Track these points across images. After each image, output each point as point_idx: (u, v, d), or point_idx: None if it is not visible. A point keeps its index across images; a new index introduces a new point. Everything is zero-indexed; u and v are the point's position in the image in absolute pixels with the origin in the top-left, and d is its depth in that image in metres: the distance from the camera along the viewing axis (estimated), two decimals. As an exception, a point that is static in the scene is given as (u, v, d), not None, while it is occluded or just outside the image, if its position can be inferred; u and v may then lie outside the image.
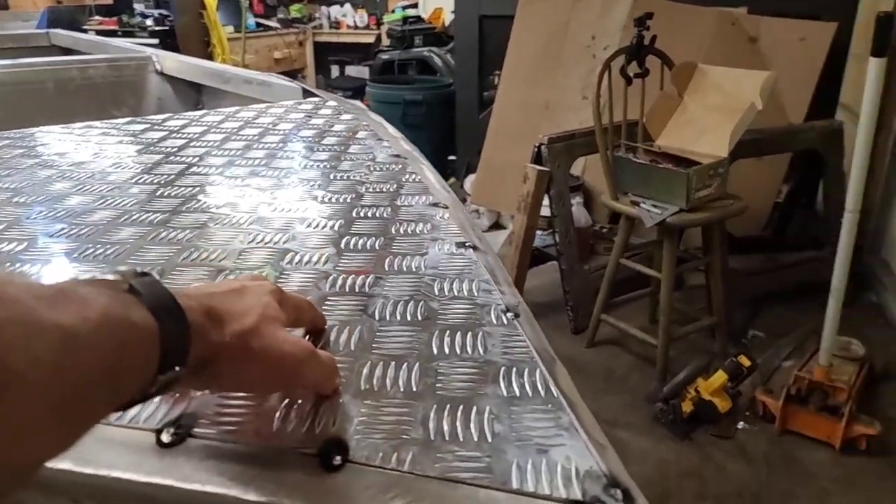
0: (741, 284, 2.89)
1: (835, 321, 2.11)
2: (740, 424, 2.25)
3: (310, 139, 1.26)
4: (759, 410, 2.27)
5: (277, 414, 0.48)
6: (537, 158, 2.75)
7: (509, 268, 2.79)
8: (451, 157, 4.18)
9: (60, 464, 0.43)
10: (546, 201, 2.74)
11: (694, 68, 2.47)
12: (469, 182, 3.79)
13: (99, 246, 0.77)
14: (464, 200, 3.86)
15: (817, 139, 2.93)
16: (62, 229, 0.81)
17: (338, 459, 0.44)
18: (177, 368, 0.40)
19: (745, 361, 2.34)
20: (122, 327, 0.36)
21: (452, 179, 4.11)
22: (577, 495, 0.42)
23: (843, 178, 2.91)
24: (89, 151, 1.16)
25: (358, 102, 1.65)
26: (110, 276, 0.40)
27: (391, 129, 1.34)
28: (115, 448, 0.45)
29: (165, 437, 0.45)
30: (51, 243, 0.78)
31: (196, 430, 0.46)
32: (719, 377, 2.22)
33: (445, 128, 4.10)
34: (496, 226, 3.80)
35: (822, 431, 2.14)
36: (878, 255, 3.17)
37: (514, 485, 0.43)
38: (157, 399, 0.48)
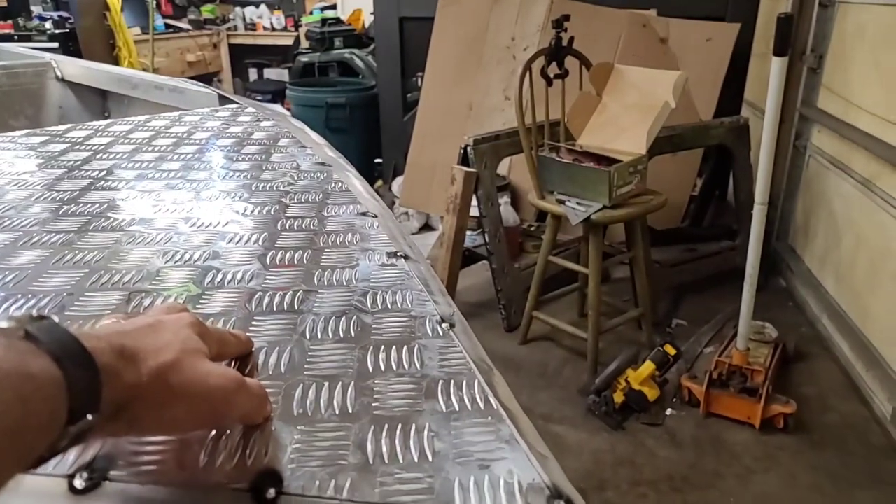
0: (663, 276, 3.00)
1: (750, 307, 2.22)
2: (668, 411, 2.33)
3: (228, 148, 1.21)
4: (684, 396, 2.36)
5: (203, 448, 0.45)
6: (464, 159, 2.76)
7: (441, 269, 2.79)
8: (378, 160, 4.15)
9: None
10: (475, 202, 2.76)
11: (611, 69, 2.54)
12: (397, 184, 3.76)
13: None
14: (392, 203, 3.84)
15: (726, 134, 3.08)
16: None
17: (272, 493, 0.42)
18: (89, 417, 0.36)
19: (671, 350, 2.43)
20: (20, 380, 0.32)
21: (380, 182, 4.08)
22: (519, 511, 0.42)
23: (750, 170, 3.07)
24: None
25: (278, 107, 1.60)
26: (2, 324, 0.36)
27: (314, 136, 1.31)
28: (23, 498, 0.41)
29: (78, 483, 0.42)
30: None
31: (112, 472, 0.42)
32: (647, 367, 2.29)
33: (370, 130, 4.06)
34: (426, 227, 3.80)
35: (743, 412, 2.25)
36: (784, 242, 3.37)
37: (455, 502, 0.42)
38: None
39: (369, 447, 0.46)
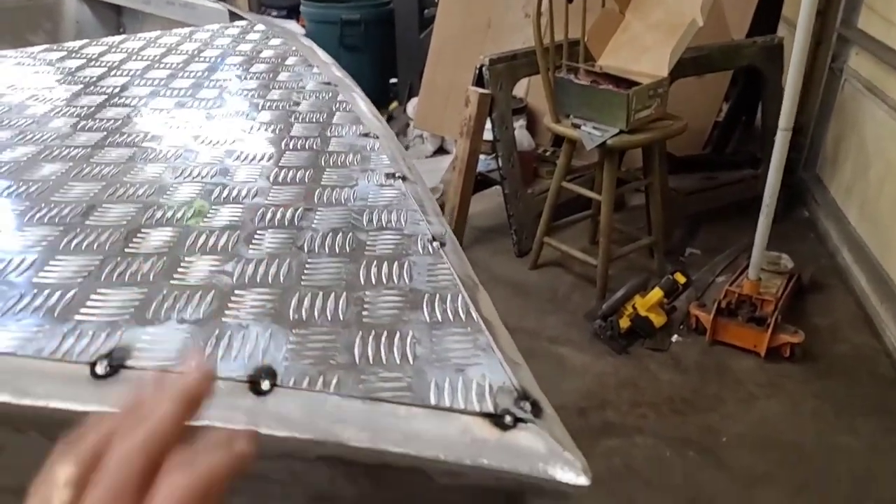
0: (680, 203, 3.01)
1: (764, 237, 2.24)
2: (675, 338, 2.40)
3: (237, 66, 1.23)
4: (692, 324, 2.42)
5: (209, 347, 0.51)
6: (479, 80, 2.73)
7: (452, 193, 2.82)
8: (393, 80, 4.10)
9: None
10: (489, 125, 2.75)
11: (636, -16, 2.47)
12: (412, 106, 3.74)
13: (21, 184, 0.76)
14: (406, 125, 3.83)
15: (758, 55, 2.99)
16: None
17: (266, 384, 0.48)
18: None
19: (681, 278, 2.47)
20: None
21: (395, 104, 4.05)
22: (490, 408, 0.47)
23: (781, 95, 3.00)
24: (4, 83, 1.11)
25: (292, 23, 1.61)
26: None
27: (322, 55, 1.33)
28: (51, 380, 0.48)
29: (100, 369, 0.48)
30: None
31: (127, 362, 0.49)
32: (655, 294, 2.34)
33: (386, 48, 4.00)
34: (441, 150, 3.80)
35: (750, 341, 2.30)
36: (811, 172, 3.33)
37: (433, 401, 0.48)
38: (89, 332, 0.50)
39: (356, 350, 0.52)
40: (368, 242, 0.66)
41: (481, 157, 2.93)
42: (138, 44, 1.36)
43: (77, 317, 0.53)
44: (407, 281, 0.61)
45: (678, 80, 2.76)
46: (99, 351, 0.49)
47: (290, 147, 0.89)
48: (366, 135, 0.93)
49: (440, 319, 0.56)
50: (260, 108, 1.03)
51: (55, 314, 0.53)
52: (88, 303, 0.55)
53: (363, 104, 1.06)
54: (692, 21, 2.35)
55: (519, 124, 3.09)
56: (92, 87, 1.10)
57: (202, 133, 0.92)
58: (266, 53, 1.31)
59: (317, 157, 0.85)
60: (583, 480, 0.45)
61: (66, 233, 0.65)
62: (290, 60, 1.27)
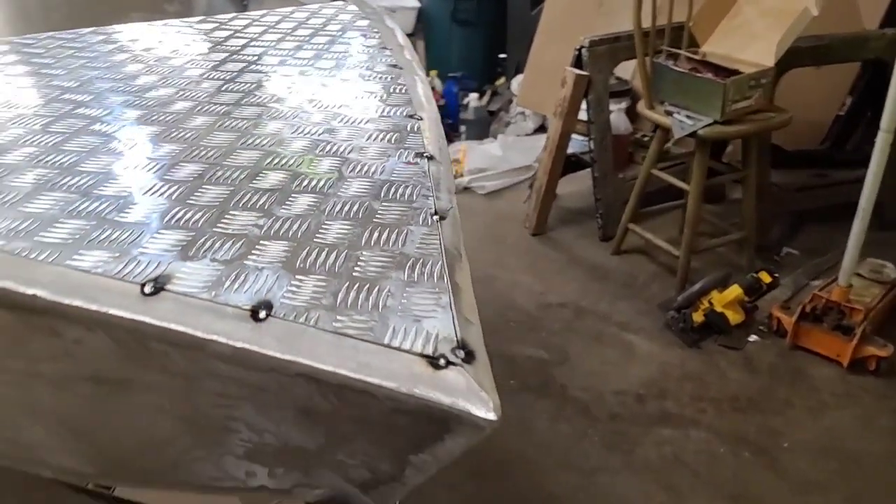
0: (781, 199, 2.91)
1: (857, 242, 2.15)
2: (752, 338, 2.37)
3: (321, 46, 1.39)
4: (773, 326, 2.38)
5: (227, 280, 0.66)
6: (577, 62, 2.77)
7: (541, 173, 2.89)
8: (502, 56, 4.18)
9: (75, 300, 0.63)
10: (585, 107, 2.79)
11: (749, -32, 2.40)
12: (516, 83, 3.81)
13: (179, 130, 0.99)
14: (509, 102, 3.90)
15: (886, 48, 2.81)
16: (145, 115, 1.03)
17: (263, 314, 0.62)
18: None
19: (766, 278, 2.43)
20: None
21: (501, 80, 4.13)
22: (429, 351, 0.59)
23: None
24: (169, 48, 1.36)
25: (379, 7, 1.74)
26: None
27: (400, 38, 1.46)
28: (111, 293, 0.65)
29: (147, 289, 0.64)
30: (139, 126, 1.00)
31: (167, 286, 0.65)
32: (733, 290, 2.32)
33: (498, 25, 4.08)
34: (541, 129, 3.85)
35: (833, 349, 2.24)
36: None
37: (386, 341, 0.60)
38: (142, 261, 0.67)
39: (339, 296, 0.65)
40: (379, 212, 0.79)
41: (578, 138, 2.98)
42: (274, 18, 1.59)
43: (156, 249, 0.71)
44: (400, 246, 0.73)
45: (794, 70, 2.66)
46: (147, 276, 0.66)
47: (344, 123, 1.03)
48: (411, 116, 1.05)
49: (416, 279, 0.68)
50: (327, 88, 1.18)
51: (129, 246, 0.71)
52: (154, 237, 0.73)
53: (420, 87, 1.18)
54: (804, 10, 2.26)
55: (618, 107, 3.09)
56: (235, 56, 1.33)
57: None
58: (350, 33, 1.46)
59: (361, 134, 0.99)
60: (492, 416, 0.56)
61: (210, 169, 0.87)
62: (370, 42, 1.41)
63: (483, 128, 3.67)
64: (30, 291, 0.64)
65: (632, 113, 3.33)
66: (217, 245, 0.72)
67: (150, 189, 0.83)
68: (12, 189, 0.81)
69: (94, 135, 0.97)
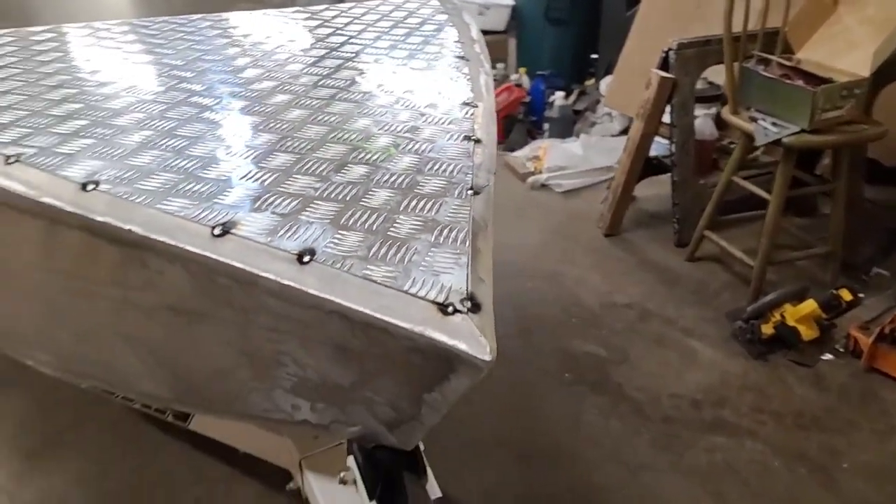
0: (875, 216, 2.80)
1: (946, 264, 2.07)
2: (826, 356, 2.32)
3: (398, 38, 1.52)
4: (850, 345, 2.31)
5: (282, 230, 0.79)
6: (664, 64, 2.78)
7: (619, 174, 2.92)
8: (594, 56, 4.20)
9: (160, 236, 0.77)
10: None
11: (852, -29, 2.35)
12: (605, 83, 3.82)
13: (277, 122, 1.10)
14: (596, 102, 3.93)
15: None
16: (248, 106, 1.17)
17: (307, 258, 0.75)
18: None
19: (847, 296, 2.37)
20: None
21: (591, 80, 4.15)
22: (441, 300, 0.70)
23: None
24: (274, 43, 1.51)
25: (462, 3, 1.85)
26: None
27: (474, 33, 1.56)
28: (187, 233, 0.79)
29: (216, 231, 0.78)
30: (241, 115, 1.13)
31: (233, 230, 0.79)
32: (808, 305, 2.28)
33: (591, 24, 4.10)
34: (627, 131, 3.84)
35: (912, 375, 2.16)
36: None
37: (406, 288, 0.71)
38: (217, 209, 0.81)
39: (373, 250, 0.77)
40: (421, 183, 0.90)
41: (662, 141, 2.98)
42: (360, 10, 1.72)
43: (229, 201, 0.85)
44: (433, 214, 0.84)
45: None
46: (217, 220, 0.80)
47: (402, 106, 1.15)
48: (467, 104, 1.15)
49: (441, 242, 0.79)
50: (397, 74, 1.30)
51: (207, 197, 0.86)
52: (228, 191, 0.87)
53: (482, 79, 1.28)
54: (906, 18, 2.20)
55: (705, 112, 3.07)
56: (320, 42, 1.46)
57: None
58: (427, 28, 1.58)
59: (420, 117, 1.10)
60: (487, 357, 0.66)
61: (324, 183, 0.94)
62: (444, 35, 1.52)
63: (567, 126, 3.71)
64: (126, 227, 0.80)
65: (721, 119, 3.28)
66: (279, 201, 0.85)
67: (231, 151, 0.98)
68: (121, 146, 0.98)
69: (193, 106, 1.13)
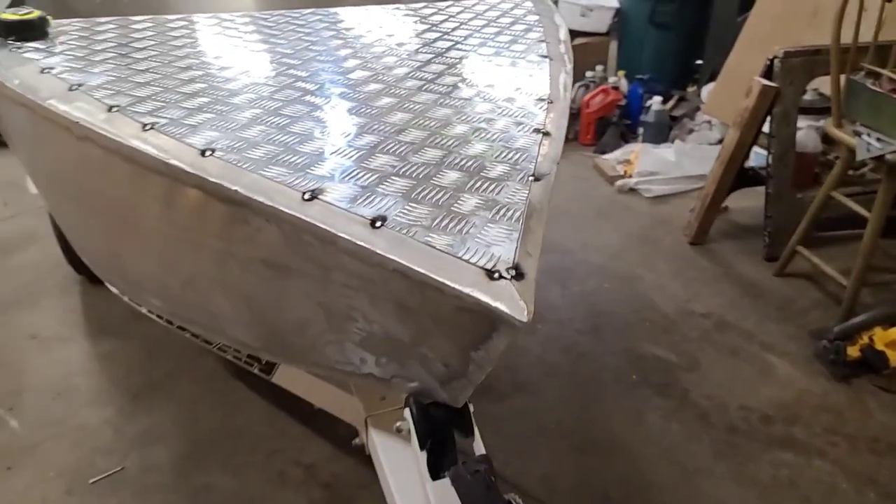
0: None
1: None
2: (915, 384, 2.25)
3: (489, 36, 1.64)
4: (945, 376, 2.23)
5: (360, 199, 0.93)
6: (768, 72, 2.75)
7: (710, 182, 2.91)
8: (699, 62, 4.15)
9: (260, 197, 0.93)
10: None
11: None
12: (707, 90, 3.78)
13: (380, 124, 1.17)
14: (696, 109, 3.89)
15: None
16: (344, 93, 1.30)
17: (378, 224, 0.88)
18: None
19: (944, 323, 2.27)
20: None
21: (693, 87, 4.11)
22: (489, 266, 0.81)
23: None
24: (374, 36, 1.64)
25: (553, 4, 1.94)
26: None
27: (562, 35, 1.65)
28: (283, 195, 0.94)
29: (306, 196, 0.93)
30: (337, 99, 1.27)
31: (319, 196, 0.93)
32: (898, 329, 2.22)
33: (697, 29, 4.05)
34: (728, 140, 3.79)
35: None
36: None
37: (460, 255, 0.83)
38: (311, 178, 0.95)
39: (435, 221, 0.89)
40: (487, 168, 1.02)
41: (761, 152, 2.95)
42: (456, 8, 1.84)
43: (319, 173, 1.00)
44: (494, 195, 0.95)
45: None
46: (308, 187, 0.94)
47: (482, 98, 1.26)
48: (542, 99, 1.25)
49: (497, 219, 0.90)
50: (482, 70, 1.41)
51: (301, 167, 1.00)
52: (320, 163, 1.01)
53: (562, 78, 1.38)
54: None
55: (809, 125, 3.00)
56: (426, 48, 1.56)
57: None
58: (517, 27, 1.69)
59: (497, 110, 1.21)
60: (524, 318, 0.76)
61: (402, 162, 1.04)
62: (531, 35, 1.62)
63: (662, 132, 3.70)
64: (233, 187, 0.96)
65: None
66: (361, 175, 0.99)
67: (325, 131, 1.13)
68: (235, 120, 1.15)
69: (297, 90, 1.29)
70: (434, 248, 0.85)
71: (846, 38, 2.38)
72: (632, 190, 3.40)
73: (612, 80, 4.03)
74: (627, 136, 3.83)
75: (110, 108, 1.14)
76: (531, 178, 1.00)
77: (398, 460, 1.27)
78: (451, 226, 0.88)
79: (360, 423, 1.46)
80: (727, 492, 1.87)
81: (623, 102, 3.84)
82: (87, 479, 1.88)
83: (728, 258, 2.90)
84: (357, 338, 1.04)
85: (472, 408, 1.11)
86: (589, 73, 4.03)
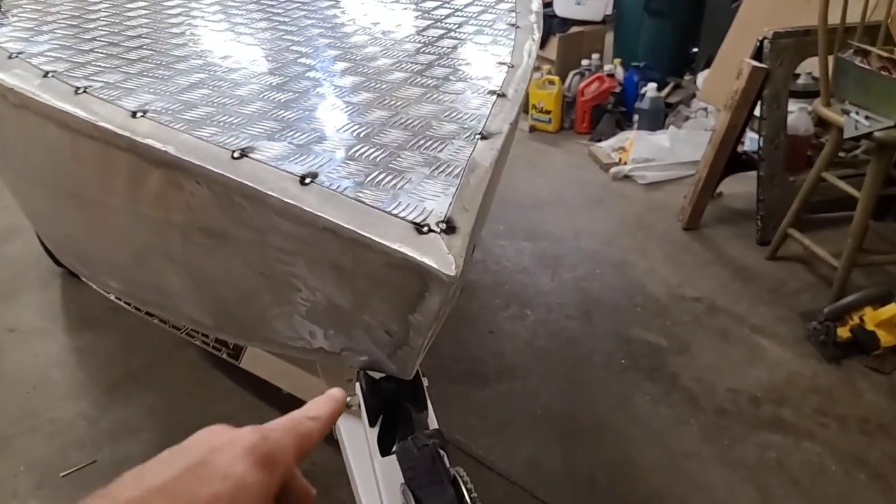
0: None
1: None
2: (908, 365, 2.16)
3: (458, 7, 1.57)
4: (937, 356, 2.15)
5: (293, 156, 0.86)
6: (758, 54, 2.67)
7: (702, 166, 2.83)
8: (695, 49, 4.06)
9: (195, 158, 0.86)
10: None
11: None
12: (702, 77, 3.69)
13: (365, 68, 1.16)
14: (692, 96, 3.80)
15: None
16: (350, 67, 1.23)
17: (308, 181, 0.81)
18: None
19: (937, 303, 2.19)
20: None
21: (689, 75, 4.02)
22: (418, 220, 0.74)
23: None
24: (378, 12, 1.58)
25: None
26: None
27: (534, 6, 1.58)
28: (212, 155, 0.88)
29: (235, 154, 0.87)
30: (334, 62, 1.22)
31: (250, 155, 0.87)
32: (890, 310, 2.13)
33: (692, 17, 3.96)
34: (723, 127, 3.69)
35: None
36: None
37: (390, 210, 0.76)
38: (240, 136, 0.89)
39: (370, 177, 0.82)
40: (434, 126, 0.95)
41: (754, 135, 2.86)
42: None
43: (253, 132, 0.93)
44: (436, 152, 0.88)
45: None
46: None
47: (441, 63, 1.19)
48: (503, 63, 1.19)
49: (436, 175, 0.83)
50: (445, 38, 1.35)
51: (238, 127, 0.94)
52: (255, 123, 0.95)
53: (527, 45, 1.31)
54: None
55: (801, 107, 2.91)
56: (438, 23, 1.48)
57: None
58: (487, 0, 1.62)
59: (455, 72, 1.15)
60: (452, 272, 0.70)
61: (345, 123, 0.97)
62: (502, 6, 1.56)
63: (657, 119, 3.62)
64: (163, 147, 0.90)
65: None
66: (298, 134, 0.93)
67: (258, 82, 1.07)
68: (174, 84, 1.09)
69: (249, 57, 1.23)
70: (364, 203, 0.78)
71: (835, 18, 2.30)
72: (626, 177, 3.32)
73: (607, 67, 3.95)
74: (623, 123, 3.74)
75: (46, 74, 1.08)
76: (478, 137, 0.93)
77: (358, 440, 1.20)
78: (385, 181, 0.82)
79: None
80: (715, 474, 1.80)
81: (618, 90, 3.76)
82: (59, 472, 1.83)
83: (721, 243, 2.82)
84: (303, 309, 0.98)
85: (426, 382, 1.05)
86: (584, 62, 3.95)
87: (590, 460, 1.86)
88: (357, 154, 0.88)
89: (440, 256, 0.71)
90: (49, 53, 1.19)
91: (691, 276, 2.61)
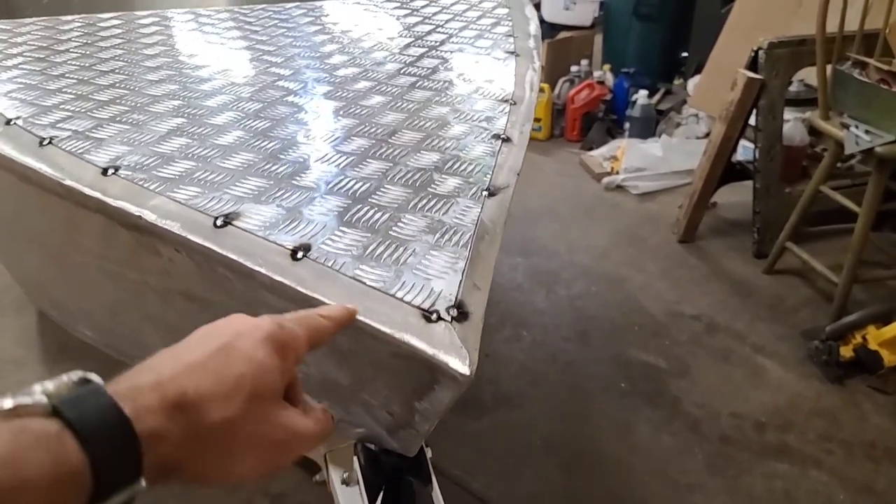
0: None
1: None
2: (912, 385, 2.10)
3: (453, 31, 1.48)
4: (941, 376, 2.09)
5: (283, 223, 0.77)
6: (753, 64, 2.60)
7: (697, 178, 2.76)
8: (684, 55, 3.99)
9: (173, 226, 0.77)
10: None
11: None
12: (693, 83, 3.62)
13: (357, 107, 1.08)
14: (683, 102, 3.74)
15: None
16: (331, 91, 1.16)
17: (300, 254, 0.72)
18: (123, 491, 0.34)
19: (941, 321, 2.13)
20: (36, 471, 0.31)
21: (679, 80, 3.95)
22: (426, 306, 0.65)
23: None
24: (361, 31, 1.51)
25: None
26: (31, 399, 0.34)
27: (532, 29, 1.50)
28: (193, 223, 0.78)
29: (219, 222, 0.77)
30: (323, 100, 1.13)
31: (235, 222, 0.77)
32: (893, 329, 2.07)
33: (682, 21, 3.89)
34: (714, 133, 3.63)
35: None
36: None
37: (394, 293, 0.67)
38: (224, 199, 0.80)
39: (370, 249, 0.73)
40: (436, 181, 0.86)
41: (749, 146, 2.80)
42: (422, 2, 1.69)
43: (237, 192, 0.84)
44: (441, 215, 0.79)
45: None
46: (220, 210, 0.78)
47: (437, 102, 1.10)
48: (506, 100, 1.10)
49: (442, 244, 0.74)
50: (441, 68, 1.26)
51: (221, 187, 0.85)
52: (249, 184, 0.86)
53: (529, 75, 1.22)
54: None
55: (799, 116, 2.85)
56: (419, 41, 1.42)
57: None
58: (484, 21, 1.53)
59: (454, 114, 1.06)
60: (466, 371, 0.61)
61: (337, 177, 0.88)
62: (500, 29, 1.47)
63: (648, 126, 3.55)
64: (136, 212, 0.80)
65: (814, 124, 3.04)
66: (287, 194, 0.83)
67: (244, 143, 0.97)
68: (150, 132, 0.99)
69: (232, 97, 1.13)
70: (363, 283, 0.69)
71: (832, 27, 2.24)
72: (619, 187, 3.24)
73: (597, 74, 3.87)
74: (614, 131, 3.67)
75: (8, 122, 0.98)
76: (485, 193, 0.84)
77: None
78: (386, 254, 0.73)
79: (321, 458, 1.31)
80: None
81: (609, 97, 3.68)
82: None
83: (717, 256, 2.75)
84: (295, 378, 0.89)
85: (429, 453, 0.96)
86: (574, 68, 3.87)
87: (592, 495, 1.79)
88: (354, 219, 0.79)
89: (453, 350, 0.62)
90: (13, 95, 1.08)
91: (688, 291, 2.54)
